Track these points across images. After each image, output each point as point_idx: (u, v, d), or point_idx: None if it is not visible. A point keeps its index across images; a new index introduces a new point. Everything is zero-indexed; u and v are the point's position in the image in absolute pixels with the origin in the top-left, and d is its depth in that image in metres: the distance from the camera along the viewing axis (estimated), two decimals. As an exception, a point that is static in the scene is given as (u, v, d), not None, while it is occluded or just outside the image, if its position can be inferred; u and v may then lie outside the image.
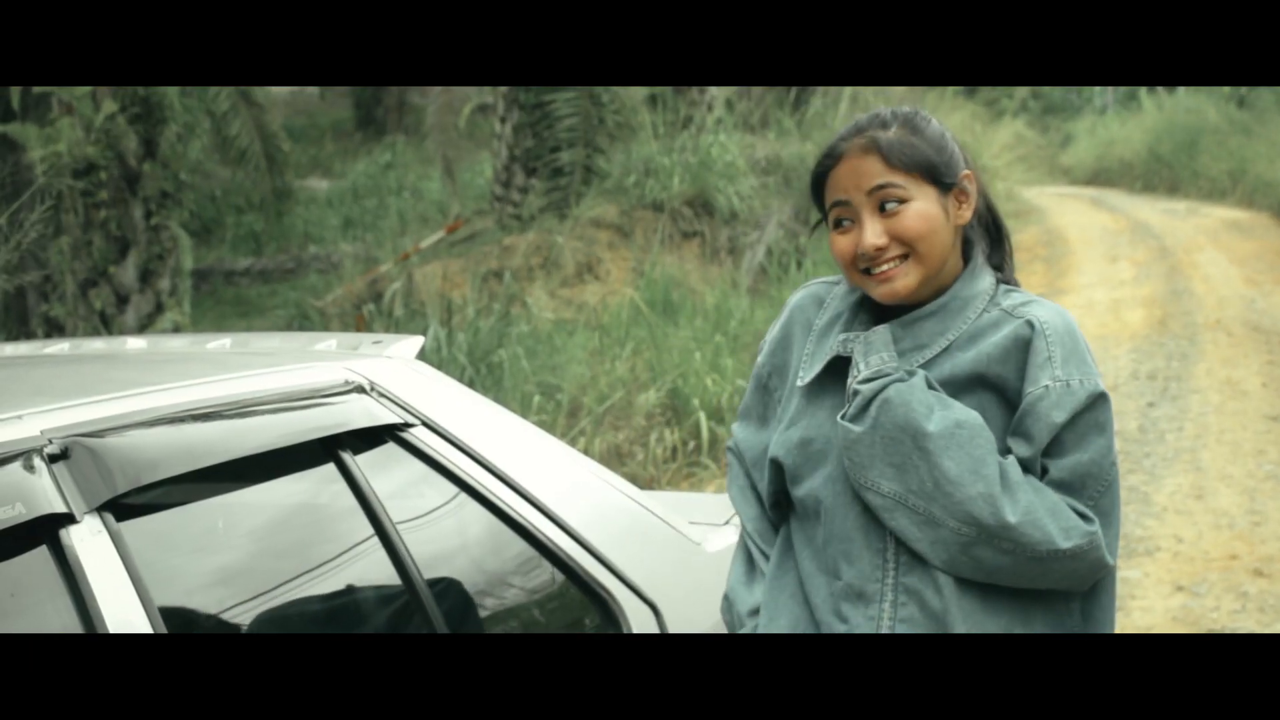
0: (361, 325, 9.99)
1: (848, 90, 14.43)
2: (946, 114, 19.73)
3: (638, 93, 12.62)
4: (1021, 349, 2.10)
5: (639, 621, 2.70)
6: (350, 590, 2.41)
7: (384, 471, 2.45)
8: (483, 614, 2.60)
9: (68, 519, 1.90)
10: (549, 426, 7.45)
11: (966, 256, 2.21)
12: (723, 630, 2.46)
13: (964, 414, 2.08)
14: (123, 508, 1.98)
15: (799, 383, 2.24)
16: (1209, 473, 7.80)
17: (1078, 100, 31.77)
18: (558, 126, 12.27)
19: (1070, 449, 2.09)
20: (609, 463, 7.29)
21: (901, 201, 2.10)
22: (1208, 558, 6.52)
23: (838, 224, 2.15)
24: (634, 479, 7.11)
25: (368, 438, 2.44)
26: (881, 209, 2.11)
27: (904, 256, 2.11)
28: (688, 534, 2.88)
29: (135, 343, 3.19)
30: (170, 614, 1.97)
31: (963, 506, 2.06)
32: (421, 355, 2.88)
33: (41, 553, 1.88)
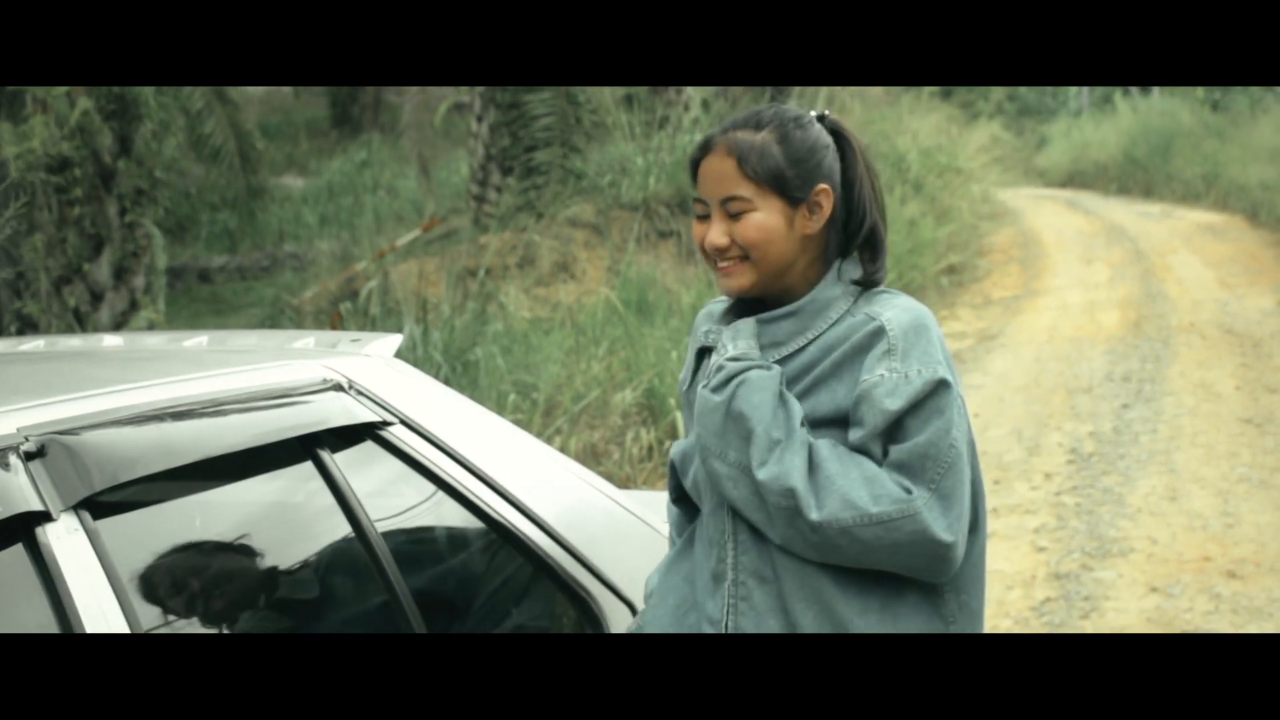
0: (338, 323, 9.97)
1: (824, 90, 14.45)
2: (922, 116, 19.79)
3: (613, 93, 12.62)
4: (866, 347, 2.22)
5: (617, 620, 2.70)
6: (328, 588, 2.40)
7: (362, 470, 2.45)
8: (461, 612, 2.60)
9: (44, 517, 1.89)
10: (525, 425, 7.44)
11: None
12: None
13: (795, 412, 2.21)
14: (99, 506, 1.97)
15: (681, 388, 2.43)
16: (1183, 474, 7.83)
17: (1053, 103, 31.88)
18: (534, 126, 12.26)
19: (911, 433, 2.18)
20: (585, 462, 7.28)
21: (745, 211, 2.24)
22: (1181, 559, 6.54)
23: (699, 213, 2.31)
24: (610, 478, 7.11)
25: (346, 436, 2.44)
26: (728, 213, 2.25)
27: (743, 258, 2.26)
28: (664, 533, 2.88)
29: (112, 340, 3.17)
30: (147, 612, 1.96)
31: (783, 482, 2.17)
32: (398, 354, 2.87)
33: (17, 551, 1.87)
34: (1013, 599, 6.20)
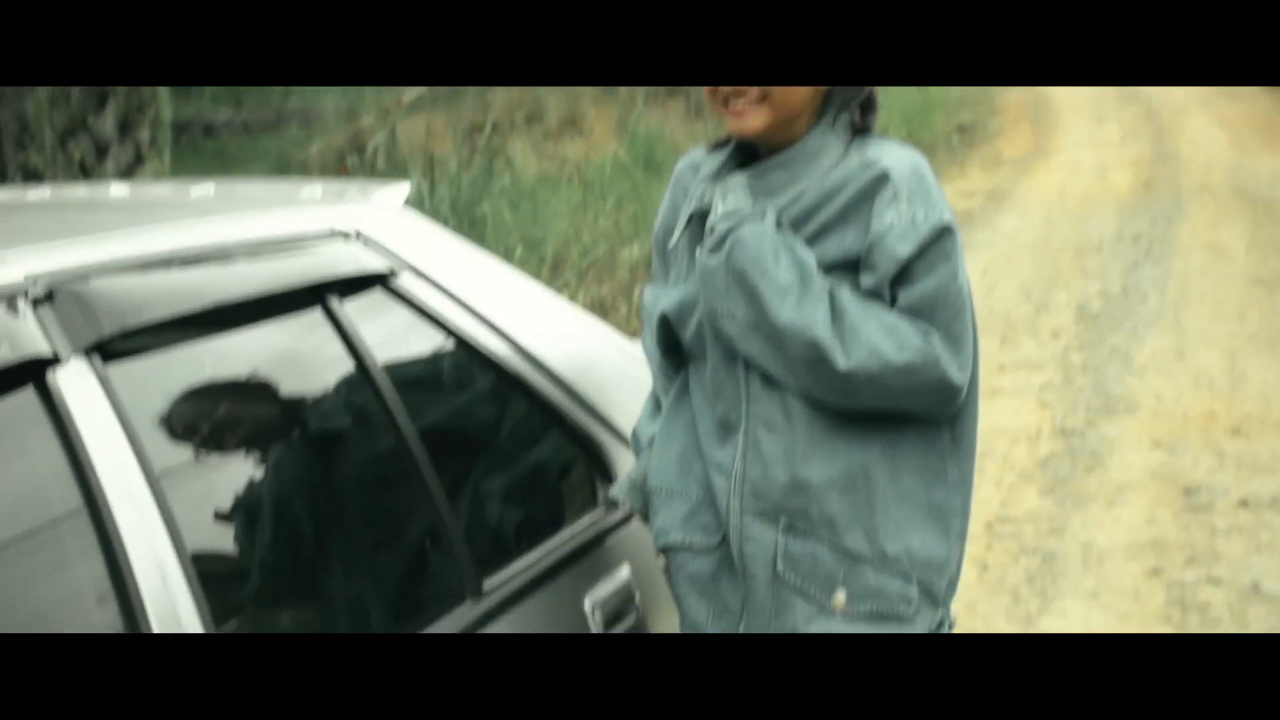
0: (345, 177, 9.92)
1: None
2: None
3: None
4: (872, 193, 2.21)
5: (625, 467, 2.72)
6: (338, 436, 2.41)
7: (371, 319, 2.45)
8: (470, 461, 2.61)
9: (53, 362, 1.89)
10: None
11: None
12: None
13: (805, 257, 2.21)
14: (109, 351, 1.97)
15: (670, 244, 2.43)
16: (1190, 333, 7.83)
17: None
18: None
19: (919, 277, 2.20)
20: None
21: None
22: (1187, 416, 6.57)
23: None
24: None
25: (355, 284, 2.43)
26: None
27: (761, 99, 2.22)
28: (673, 384, 2.89)
29: (118, 189, 3.16)
30: (159, 454, 1.97)
31: (804, 346, 2.19)
32: (406, 206, 2.85)
33: (28, 395, 1.87)
34: (1018, 454, 6.24)
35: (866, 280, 2.21)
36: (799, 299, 2.18)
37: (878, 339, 2.17)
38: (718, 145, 2.41)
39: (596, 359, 2.82)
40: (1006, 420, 6.59)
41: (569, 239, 8.44)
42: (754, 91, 2.21)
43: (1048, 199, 11.93)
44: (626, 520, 2.71)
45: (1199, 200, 11.46)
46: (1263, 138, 14.36)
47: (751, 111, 2.23)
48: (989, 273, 9.23)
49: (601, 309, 7.72)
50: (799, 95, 2.23)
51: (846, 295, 2.20)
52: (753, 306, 2.21)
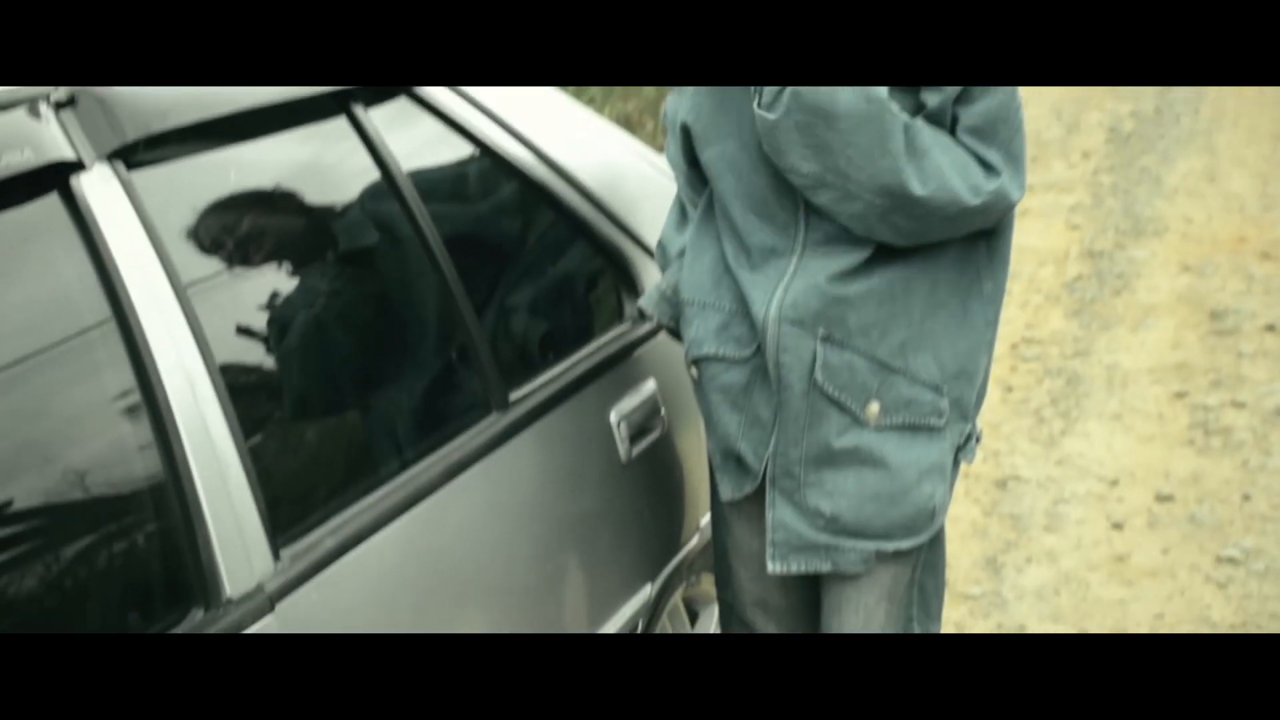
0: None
1: None
2: None
3: None
4: None
5: (651, 281, 2.71)
6: (364, 247, 2.40)
7: (397, 128, 2.42)
8: (497, 274, 2.60)
9: (77, 166, 1.87)
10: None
11: None
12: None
13: (869, 89, 2.13)
14: (133, 157, 1.95)
15: None
16: (1222, 156, 7.73)
17: None
18: None
19: (979, 95, 2.19)
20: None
21: None
22: (1216, 239, 6.51)
23: None
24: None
25: (380, 92, 2.40)
26: None
27: None
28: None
29: (139, -5, 3.10)
30: (183, 261, 1.96)
31: (875, 180, 2.15)
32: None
33: (52, 200, 1.85)
34: (1045, 275, 6.21)
35: (931, 99, 2.17)
36: (871, 121, 2.12)
37: (950, 175, 2.16)
38: None
39: (624, 171, 2.79)
40: (1035, 241, 6.55)
41: (595, 55, 8.33)
42: None
43: (1082, 18, 11.73)
44: (653, 334, 2.71)
45: (1236, 20, 11.26)
46: (1304, -44, 14.06)
47: None
48: (1020, 92, 9.10)
49: (628, 125, 7.64)
50: None
51: (918, 123, 2.16)
52: (821, 159, 2.17)
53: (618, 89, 7.84)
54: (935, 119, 2.19)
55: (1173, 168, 7.58)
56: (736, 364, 2.36)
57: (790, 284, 2.26)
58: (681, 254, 2.46)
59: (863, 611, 2.41)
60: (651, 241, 2.72)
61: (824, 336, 2.25)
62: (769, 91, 2.17)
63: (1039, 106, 8.80)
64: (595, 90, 7.68)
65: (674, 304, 2.46)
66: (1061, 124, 8.49)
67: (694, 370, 2.43)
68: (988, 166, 2.20)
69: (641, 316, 2.68)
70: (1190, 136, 8.10)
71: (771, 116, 2.17)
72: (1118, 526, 4.27)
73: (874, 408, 2.27)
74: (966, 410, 2.35)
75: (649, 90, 7.96)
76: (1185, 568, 4.04)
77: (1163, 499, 4.40)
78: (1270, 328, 5.55)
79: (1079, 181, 7.44)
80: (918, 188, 2.14)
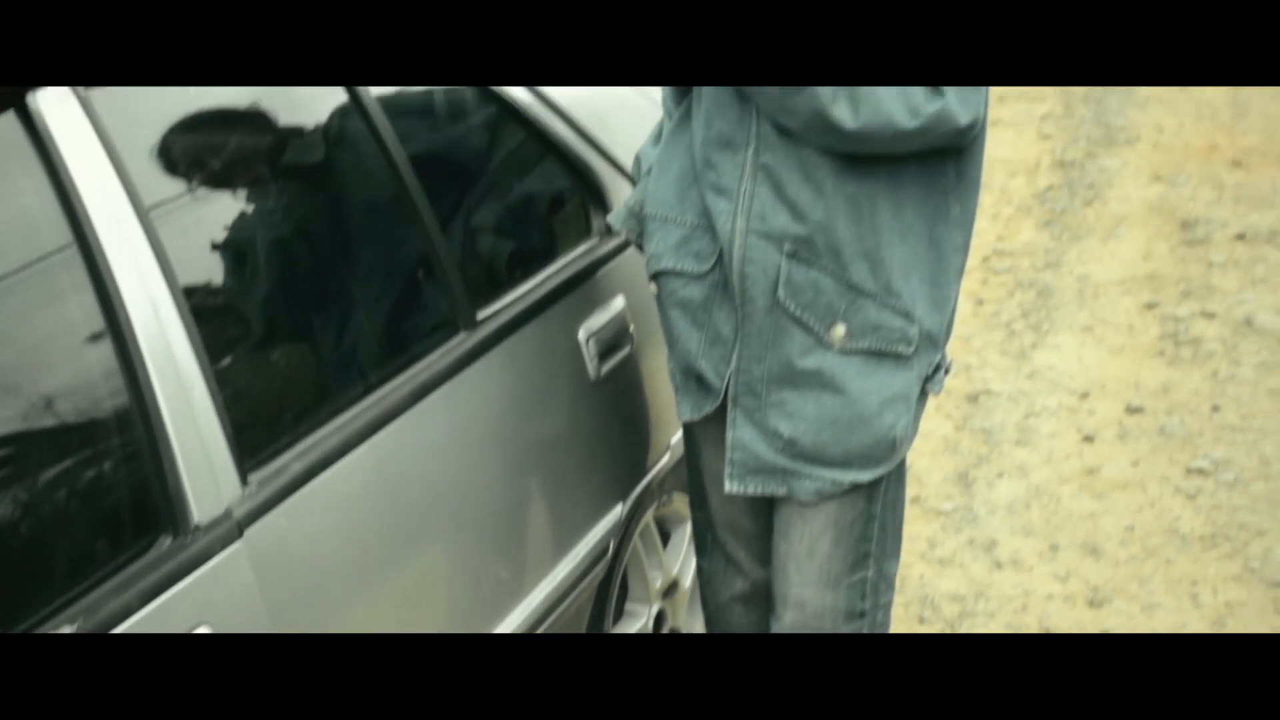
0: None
1: None
2: None
3: None
4: None
5: (620, 197, 2.68)
6: (329, 165, 2.36)
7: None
8: (464, 191, 2.57)
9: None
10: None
11: None
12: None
13: None
14: (90, 75, 1.91)
15: None
16: (1194, 63, 7.70)
17: None
18: None
19: None
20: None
21: None
22: (1188, 148, 6.50)
23: None
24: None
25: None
26: None
27: None
28: (671, 113, 2.83)
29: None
30: (145, 182, 1.92)
31: (807, 106, 2.11)
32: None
33: (9, 121, 1.81)
34: (1016, 186, 6.19)
35: None
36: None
37: (888, 98, 2.09)
38: None
39: (595, 88, 2.76)
40: (1005, 151, 6.52)
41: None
42: None
43: (1054, -76, 11.65)
44: (621, 249, 2.69)
45: (1209, -75, 11.19)
46: None
47: None
48: (991, 0, 9.05)
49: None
50: None
51: None
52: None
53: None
54: None
55: (1144, 76, 7.55)
56: (695, 279, 2.32)
57: (754, 190, 2.22)
58: (651, 170, 2.43)
59: (807, 539, 2.38)
60: (622, 158, 2.69)
61: (790, 252, 2.22)
62: None
63: (1010, 14, 8.74)
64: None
65: (641, 219, 2.43)
66: (1033, 32, 8.44)
67: (653, 286, 2.40)
68: (934, 92, 2.12)
69: (610, 233, 2.65)
70: (1162, 44, 8.07)
71: None
72: (1088, 439, 4.28)
73: (839, 330, 2.23)
74: (936, 339, 2.31)
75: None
76: (1155, 479, 4.06)
77: (1133, 411, 4.41)
78: (1241, 237, 5.55)
79: (1049, 91, 7.40)
80: (848, 119, 2.10)
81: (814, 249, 2.21)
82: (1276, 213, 5.75)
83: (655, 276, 2.39)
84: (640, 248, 2.48)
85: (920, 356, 2.29)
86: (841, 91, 2.09)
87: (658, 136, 2.49)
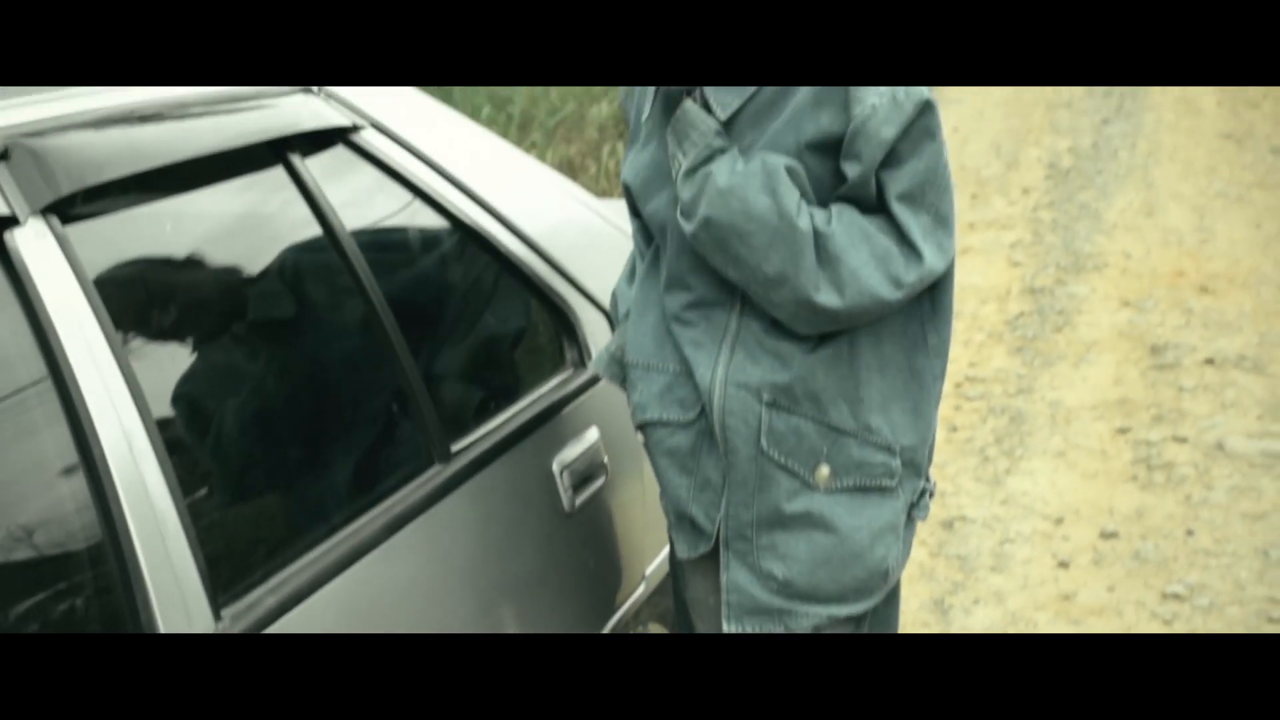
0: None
1: None
2: None
3: None
4: None
5: (592, 328, 2.70)
6: (303, 299, 2.37)
7: (335, 177, 2.40)
8: (437, 323, 2.58)
9: (10, 221, 1.84)
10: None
11: None
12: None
13: (782, 195, 2.11)
14: (68, 211, 1.93)
15: (642, 117, 2.33)
16: (1160, 190, 7.81)
17: None
18: None
19: (905, 160, 2.13)
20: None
21: None
22: (1155, 274, 6.57)
23: None
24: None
25: (317, 141, 2.38)
26: None
27: None
28: (643, 244, 2.86)
29: (74, 44, 3.08)
30: (119, 319, 1.93)
31: (793, 295, 2.14)
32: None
33: (-15, 256, 1.82)
34: (987, 313, 6.24)
35: (851, 170, 2.13)
36: (782, 251, 2.12)
37: (868, 275, 2.12)
38: None
39: (565, 218, 2.79)
40: (976, 279, 6.58)
41: (537, 97, 8.34)
42: None
43: (1019, 55, 11.84)
44: (594, 382, 2.70)
45: (1171, 56, 11.39)
46: (1235, -8, 14.25)
47: None
48: (960, 129, 9.16)
49: (570, 169, 7.65)
50: None
51: (833, 223, 2.14)
52: (739, 270, 2.17)
53: (559, 131, 7.84)
54: (859, 190, 2.15)
55: (1111, 203, 7.65)
56: (682, 427, 2.32)
57: (734, 345, 2.24)
58: (629, 315, 2.43)
59: None
60: (594, 288, 2.71)
61: (769, 402, 2.23)
62: (686, 198, 2.17)
63: (978, 143, 8.87)
64: (537, 134, 7.69)
65: (623, 364, 2.44)
66: (1001, 160, 8.55)
67: (640, 435, 2.41)
68: (911, 247, 2.14)
69: (582, 363, 2.66)
70: (1128, 171, 8.18)
71: (688, 227, 2.18)
72: (1064, 565, 4.28)
73: (824, 471, 2.24)
74: (919, 466, 2.32)
75: (590, 133, 7.97)
76: (1131, 604, 4.05)
77: (1107, 536, 4.41)
78: (1210, 361, 5.60)
79: (1019, 218, 7.49)
80: (835, 301, 2.13)
81: (793, 396, 2.22)
82: (1244, 337, 5.80)
83: (641, 426, 2.39)
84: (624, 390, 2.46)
85: (905, 485, 2.30)
86: (821, 277, 2.12)
87: (631, 273, 2.49)
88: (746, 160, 2.15)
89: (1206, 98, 9.76)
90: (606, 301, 2.68)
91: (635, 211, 2.40)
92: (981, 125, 9.34)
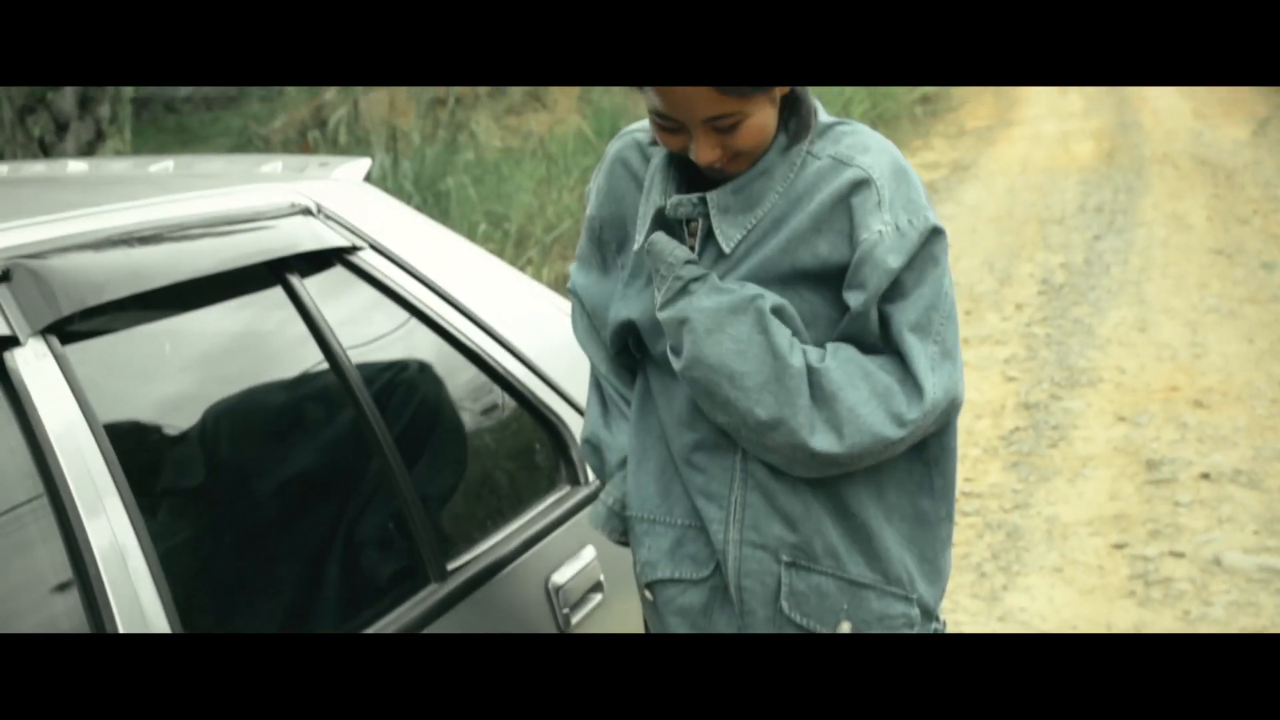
0: (307, 152, 9.86)
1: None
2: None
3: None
4: (848, 196, 2.03)
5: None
6: (300, 416, 2.39)
7: (332, 296, 2.42)
8: (432, 440, 2.59)
9: (11, 342, 1.86)
10: (496, 256, 7.41)
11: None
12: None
13: (774, 335, 2.02)
14: (68, 331, 1.95)
15: (634, 247, 2.16)
16: (1152, 305, 7.86)
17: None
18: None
19: (910, 289, 2.04)
20: (557, 292, 7.27)
21: (738, 123, 1.98)
22: (1149, 389, 6.59)
23: (665, 126, 2.02)
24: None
25: (315, 261, 2.41)
26: (716, 129, 1.99)
27: (736, 155, 2.02)
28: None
29: (76, 165, 3.12)
30: (117, 438, 1.94)
31: (788, 439, 2.03)
32: (368, 183, 2.83)
33: (-15, 376, 1.84)
34: (982, 428, 6.25)
35: (855, 299, 2.03)
36: (775, 393, 2.02)
37: (868, 413, 2.02)
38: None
39: (560, 338, 2.80)
40: (971, 395, 6.61)
41: (533, 213, 8.41)
42: (728, 157, 2.01)
43: (1011, 170, 11.95)
44: (590, 499, 2.70)
45: (1161, 170, 11.50)
46: (1224, 106, 14.42)
47: (731, 166, 2.04)
48: (953, 246, 9.24)
49: (566, 284, 7.69)
50: (771, 132, 2.03)
51: (832, 368, 2.03)
52: (729, 415, 2.05)
53: (555, 248, 7.91)
54: (859, 323, 2.05)
55: (1104, 318, 7.69)
56: (693, 584, 2.19)
57: (744, 499, 2.11)
58: (623, 464, 2.28)
59: None
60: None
61: (789, 562, 2.11)
62: (670, 335, 2.07)
63: (972, 259, 8.94)
64: (534, 251, 7.75)
65: (623, 519, 2.28)
66: (994, 276, 8.61)
67: (648, 593, 2.25)
68: (914, 382, 2.04)
69: (577, 481, 2.66)
70: (1120, 287, 8.23)
71: (677, 364, 2.07)
72: (1062, 680, 4.26)
73: (845, 627, 2.13)
74: (933, 610, 2.21)
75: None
76: (1130, 721, 4.02)
77: (1106, 652, 4.39)
78: (1205, 476, 5.60)
79: (1013, 333, 7.53)
80: (832, 444, 2.02)
81: (812, 554, 2.11)
82: (1239, 452, 5.81)
83: (649, 585, 2.24)
84: (626, 544, 2.32)
85: (920, 629, 2.19)
86: (817, 418, 2.02)
87: (602, 413, 2.33)
88: (731, 290, 2.04)
89: (1197, 213, 9.85)
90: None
91: (624, 348, 2.27)
92: (974, 241, 9.41)
